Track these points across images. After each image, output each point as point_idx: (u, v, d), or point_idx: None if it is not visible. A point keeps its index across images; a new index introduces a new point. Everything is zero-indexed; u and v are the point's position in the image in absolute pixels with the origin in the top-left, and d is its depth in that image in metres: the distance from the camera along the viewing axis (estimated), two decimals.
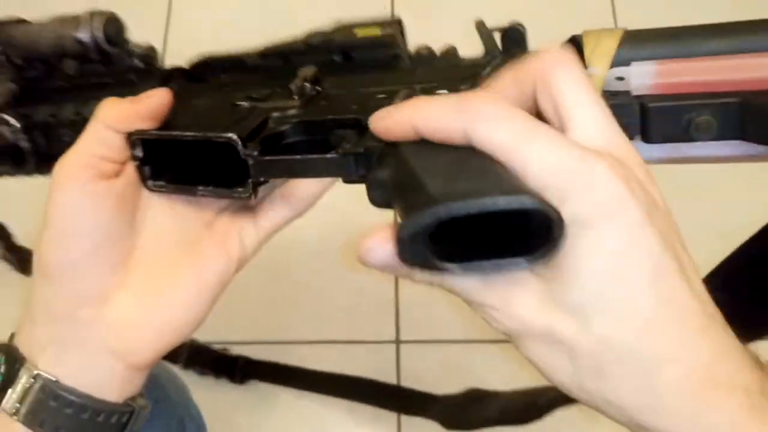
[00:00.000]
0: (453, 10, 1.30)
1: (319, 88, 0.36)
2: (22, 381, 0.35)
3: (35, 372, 0.35)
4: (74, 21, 0.40)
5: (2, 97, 0.43)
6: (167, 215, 0.37)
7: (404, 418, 1.01)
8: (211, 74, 0.41)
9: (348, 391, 1.01)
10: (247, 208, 0.39)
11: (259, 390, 1.02)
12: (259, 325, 1.06)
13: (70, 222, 0.35)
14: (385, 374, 1.03)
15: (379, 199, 0.31)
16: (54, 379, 0.35)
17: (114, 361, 0.35)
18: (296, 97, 0.35)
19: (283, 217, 0.39)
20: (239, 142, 0.32)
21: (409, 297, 1.09)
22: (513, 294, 0.29)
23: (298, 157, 0.33)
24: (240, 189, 0.33)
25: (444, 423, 0.93)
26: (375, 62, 0.35)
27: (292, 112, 0.35)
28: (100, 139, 0.35)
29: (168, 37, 1.27)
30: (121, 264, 0.36)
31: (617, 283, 0.27)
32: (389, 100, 0.33)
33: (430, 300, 1.05)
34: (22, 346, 0.36)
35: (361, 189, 0.32)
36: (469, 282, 0.30)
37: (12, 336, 0.37)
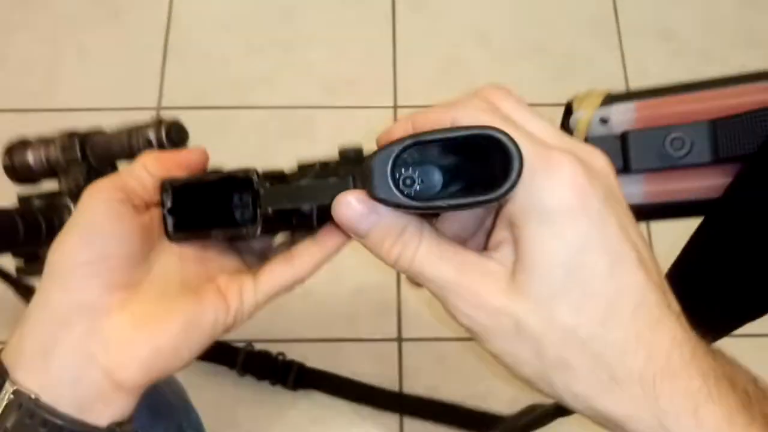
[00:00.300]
0: (453, 9, 1.31)
1: (341, 169, 0.39)
2: (4, 396, 0.35)
3: (14, 387, 0.35)
4: (146, 126, 0.49)
5: (72, 182, 0.51)
6: (175, 264, 0.39)
7: (406, 417, 1.01)
8: None
9: (416, 410, 1.01)
10: (249, 270, 0.40)
11: (260, 387, 1.03)
12: (261, 324, 1.06)
13: (86, 225, 0.36)
14: (387, 372, 1.03)
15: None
16: (33, 396, 0.35)
17: (101, 376, 0.35)
18: (317, 167, 0.39)
19: (284, 279, 0.40)
20: (255, 173, 0.36)
21: (410, 295, 1.09)
22: (482, 284, 0.31)
23: (303, 182, 0.36)
24: (249, 224, 0.36)
25: None
26: None
27: (311, 171, 0.38)
28: (136, 176, 0.38)
29: (168, 36, 1.27)
30: (126, 287, 0.36)
31: (578, 275, 0.29)
32: None
33: (431, 298, 1.05)
34: (9, 357, 0.36)
35: None
36: (441, 269, 0.32)
37: None
